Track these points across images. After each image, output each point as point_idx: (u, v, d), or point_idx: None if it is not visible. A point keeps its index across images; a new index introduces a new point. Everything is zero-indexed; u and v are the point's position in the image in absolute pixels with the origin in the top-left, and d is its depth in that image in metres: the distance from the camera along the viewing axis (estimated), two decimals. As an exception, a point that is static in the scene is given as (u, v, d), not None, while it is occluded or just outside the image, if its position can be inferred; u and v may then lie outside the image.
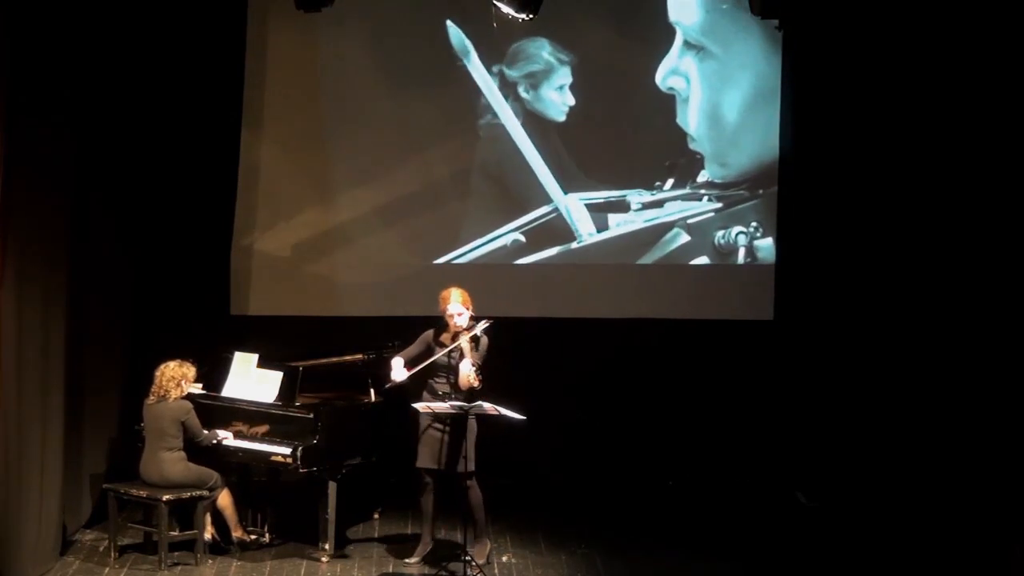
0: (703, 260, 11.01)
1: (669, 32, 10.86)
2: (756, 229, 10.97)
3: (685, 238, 10.97)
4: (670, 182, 10.95)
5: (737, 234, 10.95)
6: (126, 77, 9.79)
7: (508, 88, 10.90)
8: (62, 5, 8.71)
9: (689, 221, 10.96)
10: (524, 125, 10.89)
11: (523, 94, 10.92)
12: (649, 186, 10.94)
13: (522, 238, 10.95)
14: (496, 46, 10.75)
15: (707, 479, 10.93)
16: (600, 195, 10.94)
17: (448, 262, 10.94)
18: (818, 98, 10.67)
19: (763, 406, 10.98)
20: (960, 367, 9.96)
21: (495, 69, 10.87)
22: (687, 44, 10.86)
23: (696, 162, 10.94)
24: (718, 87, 10.91)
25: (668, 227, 10.95)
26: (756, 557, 9.36)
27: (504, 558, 9.20)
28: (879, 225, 10.50)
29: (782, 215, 10.96)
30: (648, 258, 11.00)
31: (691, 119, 10.92)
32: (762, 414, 10.99)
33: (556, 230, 10.97)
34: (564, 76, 10.90)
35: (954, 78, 10.01)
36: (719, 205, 10.95)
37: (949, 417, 9.99)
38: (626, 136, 10.94)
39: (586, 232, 10.95)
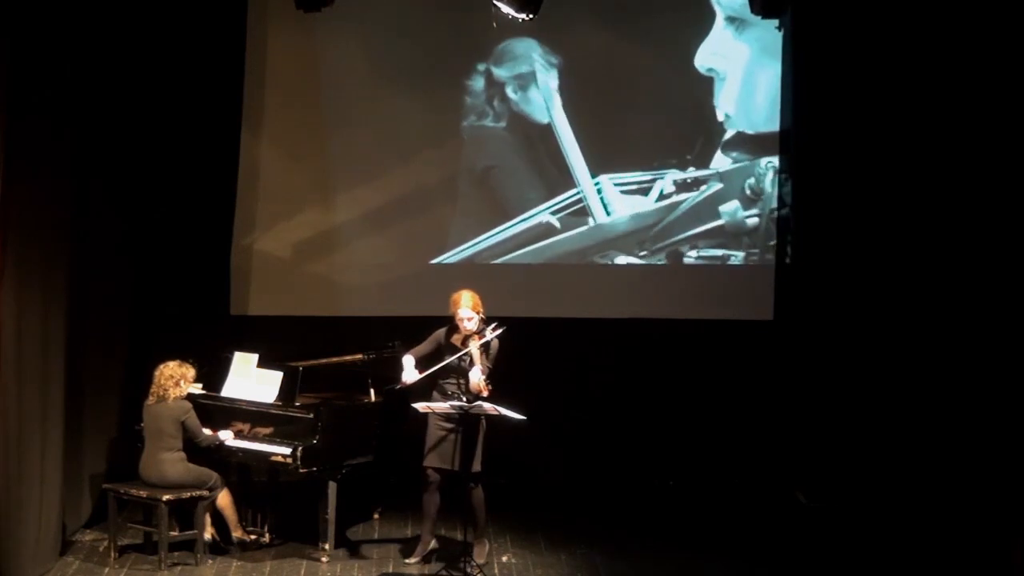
0: (734, 205, 10.95)
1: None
2: (787, 177, 10.94)
3: (718, 185, 10.95)
4: (666, 187, 10.96)
5: (768, 172, 10.90)
6: (126, 77, 9.79)
7: (495, 88, 10.91)
8: (62, 5, 8.71)
9: (720, 170, 10.95)
10: (508, 126, 10.90)
11: (511, 95, 10.92)
12: (645, 192, 10.95)
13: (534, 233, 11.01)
14: (483, 45, 10.76)
15: (707, 479, 10.93)
16: (619, 181, 10.98)
17: (449, 262, 10.94)
18: (819, 98, 10.65)
19: (763, 406, 10.98)
20: (960, 367, 9.97)
21: (481, 68, 10.88)
22: (729, 19, 10.81)
23: (698, 170, 10.95)
24: (758, 58, 10.86)
25: (693, 190, 11.00)
26: (756, 557, 9.35)
27: (504, 558, 9.20)
28: (880, 225, 10.50)
29: (783, 215, 10.97)
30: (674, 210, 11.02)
31: (728, 97, 10.88)
32: (762, 414, 10.99)
33: (563, 229, 11.00)
34: (552, 79, 10.90)
35: (955, 77, 10.02)
36: (746, 161, 10.95)
37: (949, 417, 10.00)
38: (621, 139, 10.94)
39: (609, 217, 10.97)
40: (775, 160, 10.95)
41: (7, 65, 8.07)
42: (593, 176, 10.94)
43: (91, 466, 9.56)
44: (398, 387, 8.96)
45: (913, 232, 10.33)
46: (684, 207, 10.99)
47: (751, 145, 10.96)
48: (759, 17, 9.93)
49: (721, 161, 10.96)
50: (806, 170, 10.79)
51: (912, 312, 10.34)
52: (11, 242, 8.13)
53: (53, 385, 8.72)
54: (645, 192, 10.99)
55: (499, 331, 8.68)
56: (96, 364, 9.55)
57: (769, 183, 10.96)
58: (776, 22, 10.47)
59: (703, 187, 10.96)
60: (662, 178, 10.95)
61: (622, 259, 11.05)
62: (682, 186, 10.99)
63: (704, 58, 10.87)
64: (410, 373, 8.80)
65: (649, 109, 10.91)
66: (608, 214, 10.98)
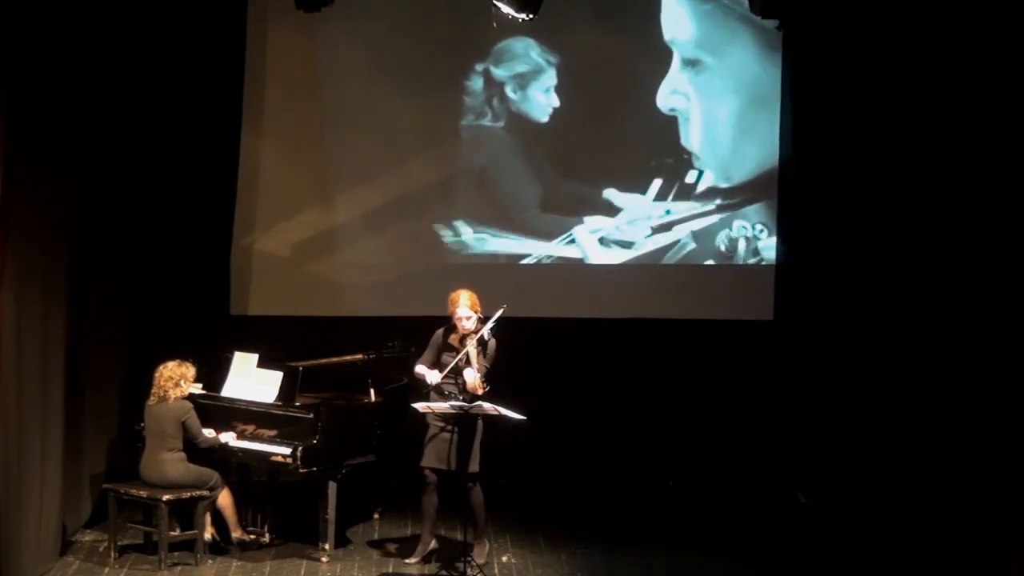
0: (707, 263, 11.00)
1: (663, 52, 10.85)
2: (760, 230, 10.96)
3: (691, 245, 10.97)
4: (663, 189, 10.96)
5: (740, 236, 10.93)
6: (126, 77, 9.79)
7: (494, 88, 10.90)
8: (62, 5, 8.71)
9: (694, 228, 10.95)
10: (507, 126, 10.90)
11: (510, 94, 10.92)
12: (643, 190, 10.96)
13: (532, 239, 11.00)
14: (482, 45, 10.76)
15: (707, 479, 10.93)
16: (601, 199, 10.98)
17: (449, 262, 10.94)
18: (818, 99, 10.66)
19: (763, 406, 10.98)
20: (960, 368, 9.97)
21: (479, 68, 10.88)
22: (685, 62, 10.85)
23: (695, 172, 10.95)
24: (718, 98, 10.90)
25: (673, 235, 10.97)
26: (756, 557, 9.36)
27: (504, 558, 9.19)
28: (879, 226, 10.50)
29: (782, 216, 10.97)
30: (653, 262, 11.02)
31: (694, 136, 10.91)
32: (762, 414, 10.99)
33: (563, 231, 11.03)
34: (551, 78, 10.90)
35: (955, 77, 10.02)
36: (723, 212, 10.94)
37: (949, 418, 10.00)
38: (618, 139, 10.94)
39: (593, 240, 10.97)
40: (745, 221, 10.97)
41: (7, 65, 8.06)
42: (588, 183, 10.95)
43: (91, 466, 9.56)
44: (424, 389, 8.87)
45: (913, 233, 10.33)
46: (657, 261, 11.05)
47: (725, 191, 10.98)
48: (759, 17, 9.94)
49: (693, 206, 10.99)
50: (806, 169, 10.79)
51: (912, 313, 10.34)
52: (11, 242, 8.13)
53: (53, 385, 8.71)
54: (638, 201, 11.02)
55: (493, 325, 8.65)
56: (96, 364, 9.54)
57: (744, 242, 10.97)
58: (776, 22, 10.50)
59: (676, 240, 10.99)
60: (655, 187, 10.98)
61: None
62: (657, 228, 11.01)
63: (664, 98, 10.88)
64: (433, 375, 8.79)
65: (647, 111, 10.92)
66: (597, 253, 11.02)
